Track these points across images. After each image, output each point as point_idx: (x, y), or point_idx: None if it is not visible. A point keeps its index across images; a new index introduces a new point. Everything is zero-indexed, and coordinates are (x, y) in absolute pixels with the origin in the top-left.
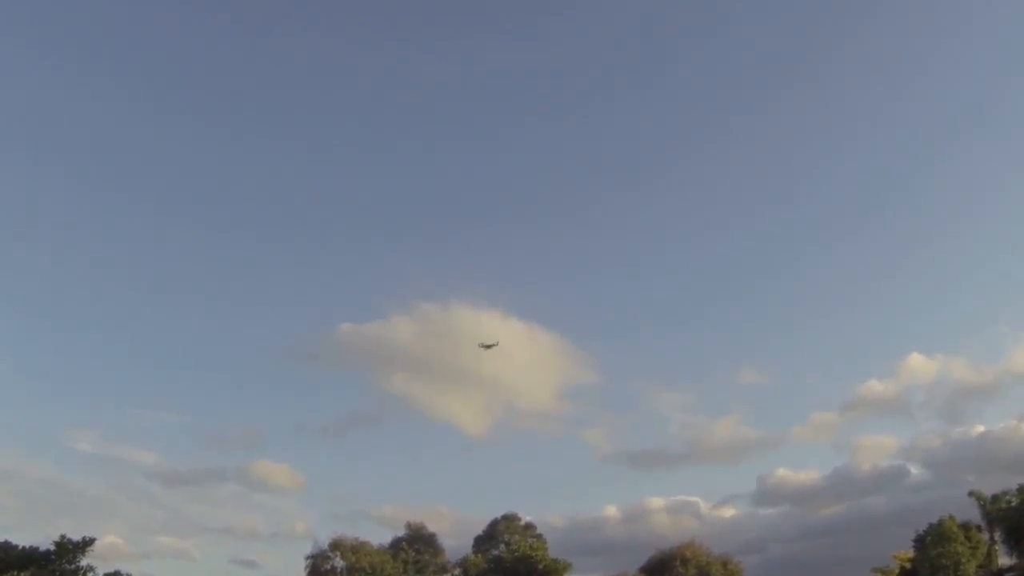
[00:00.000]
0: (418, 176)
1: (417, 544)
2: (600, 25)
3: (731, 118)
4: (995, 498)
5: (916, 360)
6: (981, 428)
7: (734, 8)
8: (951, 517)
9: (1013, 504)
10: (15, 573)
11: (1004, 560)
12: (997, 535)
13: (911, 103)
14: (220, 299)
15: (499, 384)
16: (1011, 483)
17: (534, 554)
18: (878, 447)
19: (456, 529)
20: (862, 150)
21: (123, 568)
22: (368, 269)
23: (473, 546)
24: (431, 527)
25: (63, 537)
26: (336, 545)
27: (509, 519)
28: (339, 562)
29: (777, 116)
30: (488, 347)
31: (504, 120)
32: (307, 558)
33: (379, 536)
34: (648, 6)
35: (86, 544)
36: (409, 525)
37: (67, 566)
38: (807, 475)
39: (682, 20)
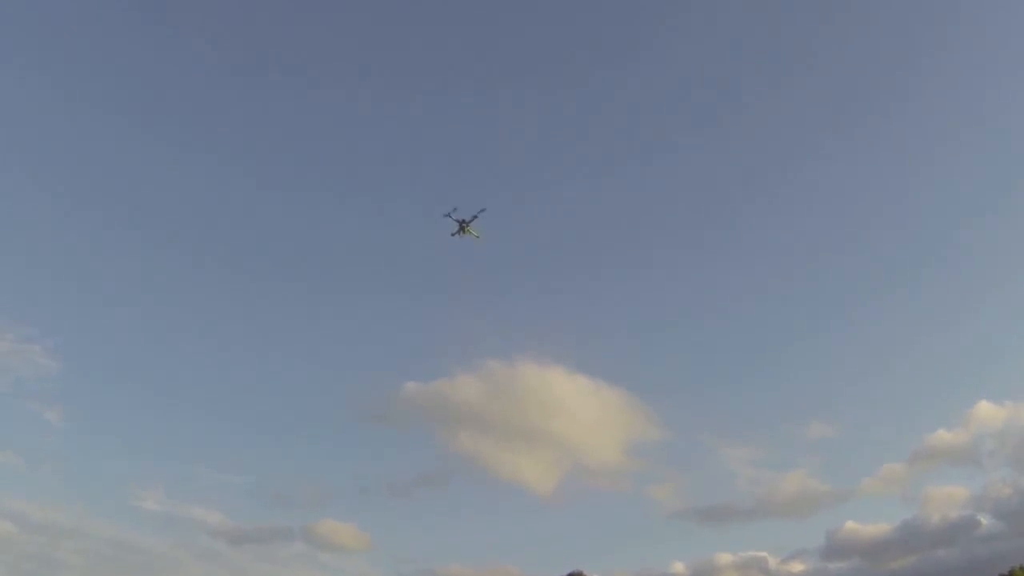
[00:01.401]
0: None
1: None
2: (657, 79)
3: (790, 172)
4: None
5: (984, 408)
6: None
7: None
8: (1022, 568)
9: None
10: None
11: None
12: None
13: (978, 152)
14: (287, 358)
15: (565, 442)
16: None
17: None
18: (948, 498)
19: None
20: (925, 201)
21: None
22: (433, 327)
23: None
24: None
25: None
26: None
27: None
28: None
29: (839, 165)
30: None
31: (569, 175)
32: None
33: None
34: (704, 59)
35: None
36: None
37: None
38: (876, 528)
39: (745, 69)
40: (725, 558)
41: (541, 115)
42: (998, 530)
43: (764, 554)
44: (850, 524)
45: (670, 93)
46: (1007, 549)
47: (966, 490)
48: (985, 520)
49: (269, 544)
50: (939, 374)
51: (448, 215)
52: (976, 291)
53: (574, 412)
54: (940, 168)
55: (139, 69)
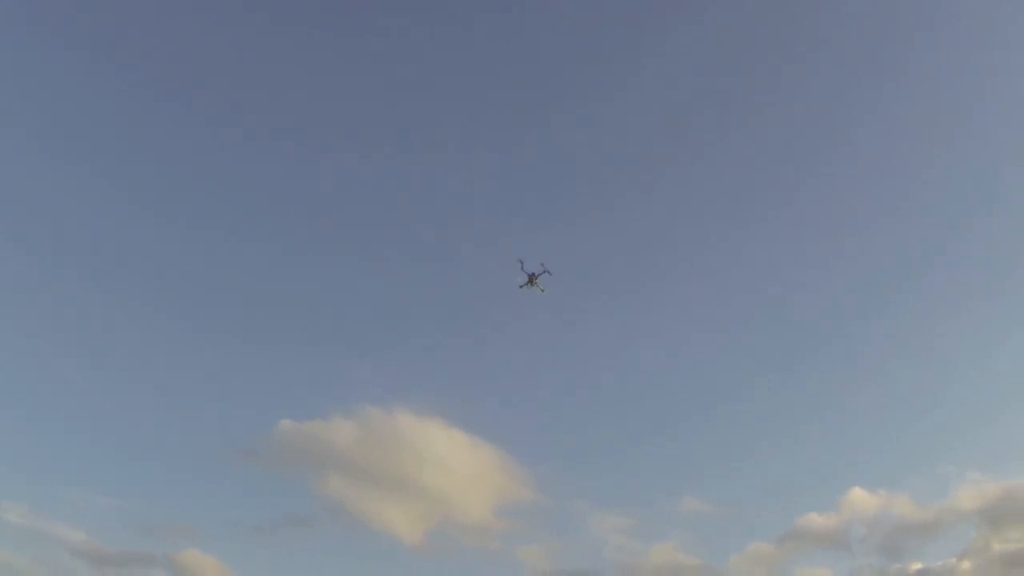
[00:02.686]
0: (367, 280)
1: None
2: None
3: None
4: None
5: (858, 494)
6: (919, 565)
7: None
8: None
9: None
10: None
11: None
12: None
13: (861, 253)
14: (161, 386)
15: (437, 495)
16: None
17: None
18: None
19: None
20: (805, 290)
21: None
22: (311, 368)
23: None
24: None
25: None
26: None
27: None
28: None
29: (719, 254)
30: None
31: (455, 233)
32: None
33: None
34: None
35: None
36: None
37: None
38: None
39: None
40: None
41: (426, 176)
42: None
43: None
44: None
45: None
46: None
47: (833, 574)
48: None
49: (130, 569)
50: (815, 458)
51: (521, 267)
52: (856, 382)
53: (448, 466)
54: (823, 263)
55: None
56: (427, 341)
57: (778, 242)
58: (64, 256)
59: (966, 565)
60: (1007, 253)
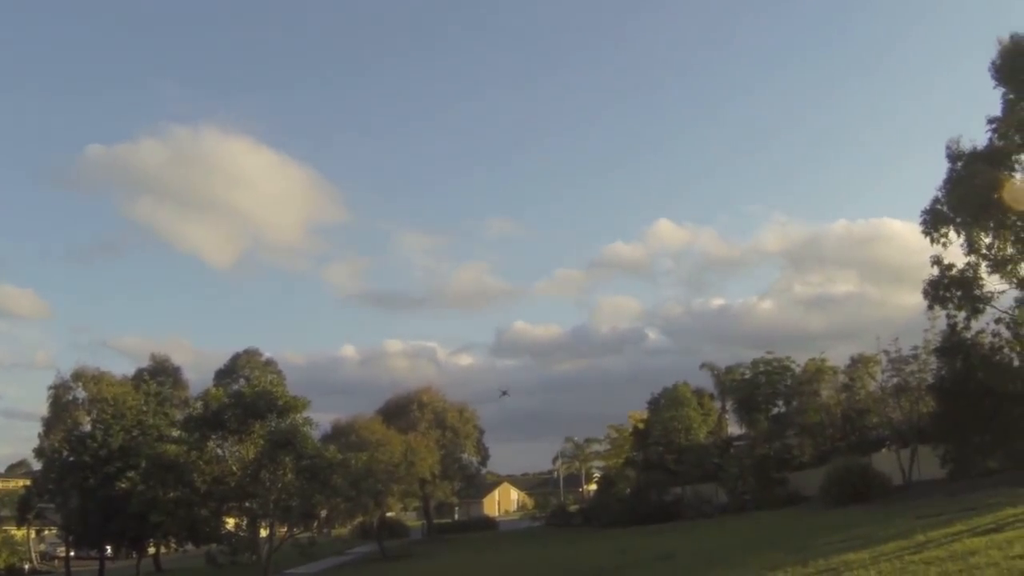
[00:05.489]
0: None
1: (160, 376)
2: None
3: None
4: (729, 369)
5: (664, 226)
6: (721, 301)
7: None
8: (685, 383)
9: (746, 377)
10: None
11: (733, 429)
12: (728, 405)
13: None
14: None
15: (246, 216)
16: (746, 356)
17: (273, 390)
18: (620, 309)
19: (197, 362)
20: (639, 27)
21: None
22: (115, 86)
23: (214, 380)
24: (174, 360)
25: None
26: (78, 376)
27: (251, 354)
28: (81, 393)
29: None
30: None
31: None
32: (49, 388)
33: (122, 367)
34: None
35: None
36: (153, 357)
37: None
38: (547, 330)
39: None
40: (395, 345)
41: None
42: (665, 345)
43: (434, 345)
44: (521, 324)
45: None
46: (671, 363)
47: (638, 304)
48: (653, 334)
49: None
50: (625, 188)
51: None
52: (673, 119)
53: (257, 185)
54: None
55: None
56: (234, 55)
57: None
58: None
59: (767, 304)
60: (831, 20)
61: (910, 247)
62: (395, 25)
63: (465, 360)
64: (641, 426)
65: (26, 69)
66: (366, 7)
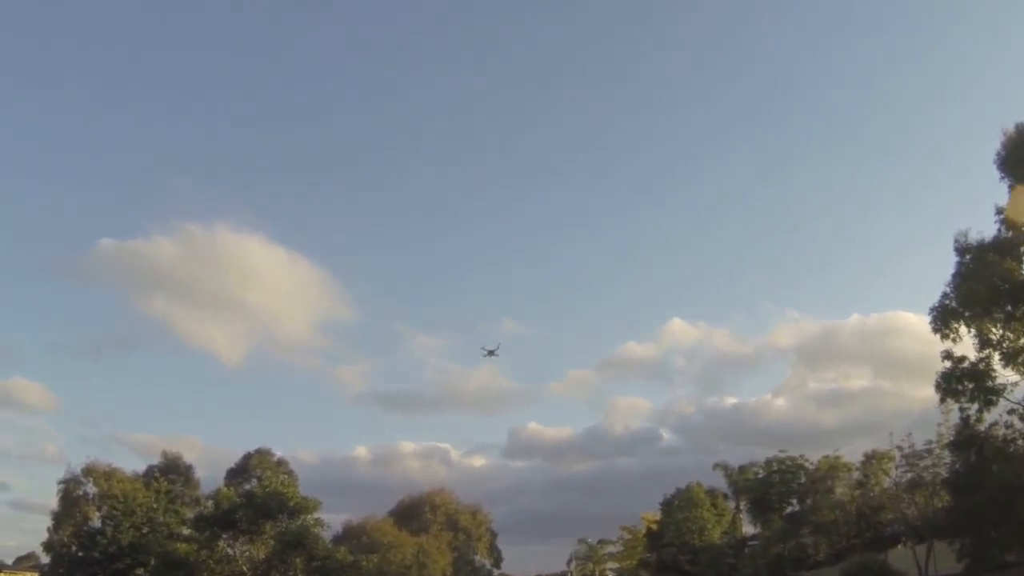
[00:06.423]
0: (184, 96)
1: (171, 474)
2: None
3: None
4: (742, 468)
5: (677, 325)
6: (734, 399)
7: None
8: (699, 483)
9: (760, 476)
10: None
11: (748, 529)
12: (742, 504)
13: (703, 95)
14: None
15: (258, 313)
16: (760, 454)
17: (285, 491)
18: (632, 408)
19: (208, 460)
20: (655, 125)
21: None
22: (129, 184)
23: (225, 479)
24: (185, 458)
25: None
26: (89, 471)
27: (262, 453)
28: (91, 488)
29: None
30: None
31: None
32: (59, 483)
33: (131, 463)
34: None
35: None
36: (164, 454)
37: None
38: (560, 431)
39: None
40: (408, 446)
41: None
42: (678, 444)
43: (447, 446)
44: (534, 425)
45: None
46: (685, 463)
47: (651, 403)
48: (666, 434)
49: None
50: (637, 288)
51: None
52: (686, 219)
53: (269, 284)
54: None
55: None
56: (246, 155)
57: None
58: None
59: (780, 401)
60: (839, 116)
61: (924, 339)
62: (406, 128)
63: (478, 461)
64: (655, 527)
65: (40, 162)
66: (376, 110)
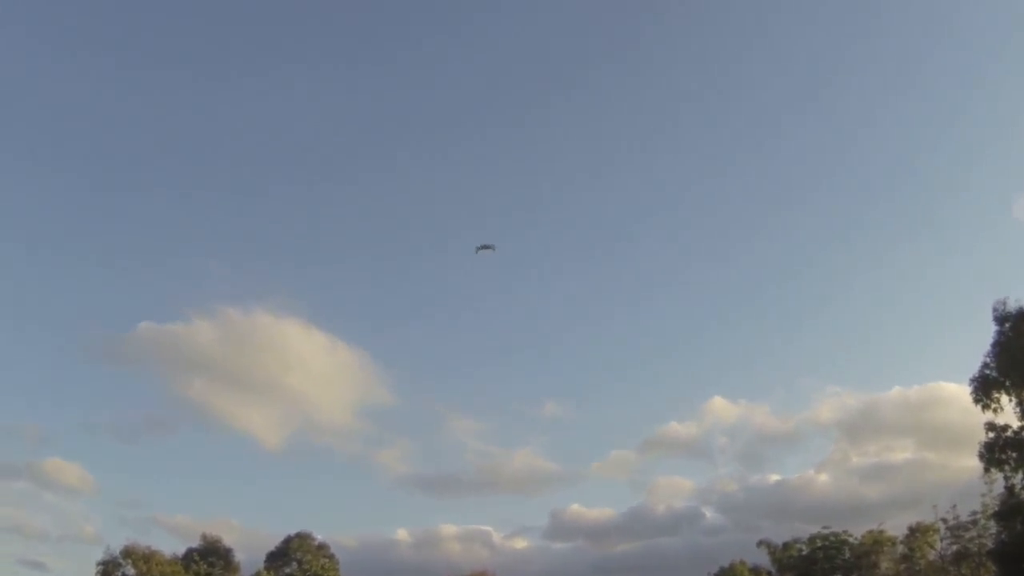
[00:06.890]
0: (220, 187)
1: (211, 557)
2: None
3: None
4: (786, 545)
5: (719, 403)
6: (777, 476)
7: None
8: (743, 561)
9: (804, 553)
10: None
11: None
12: None
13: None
14: (11, 288)
15: (297, 397)
16: (803, 531)
17: (325, 575)
18: (675, 488)
19: (247, 543)
20: (689, 211)
21: None
22: (169, 269)
23: (265, 562)
24: (224, 541)
25: None
26: (128, 553)
27: (303, 537)
28: (130, 570)
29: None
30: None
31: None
32: (98, 564)
33: (169, 545)
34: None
35: None
36: (204, 537)
37: None
38: (602, 512)
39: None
40: (450, 529)
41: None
42: (721, 523)
43: (489, 528)
44: (575, 506)
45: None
46: (728, 542)
47: (693, 482)
48: (709, 512)
49: None
50: (679, 369)
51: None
52: (724, 299)
53: (308, 367)
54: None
55: None
56: (281, 236)
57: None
58: None
59: (823, 477)
60: (874, 192)
61: (966, 409)
62: (441, 211)
63: (520, 543)
64: None
65: (79, 246)
66: (416, 195)
